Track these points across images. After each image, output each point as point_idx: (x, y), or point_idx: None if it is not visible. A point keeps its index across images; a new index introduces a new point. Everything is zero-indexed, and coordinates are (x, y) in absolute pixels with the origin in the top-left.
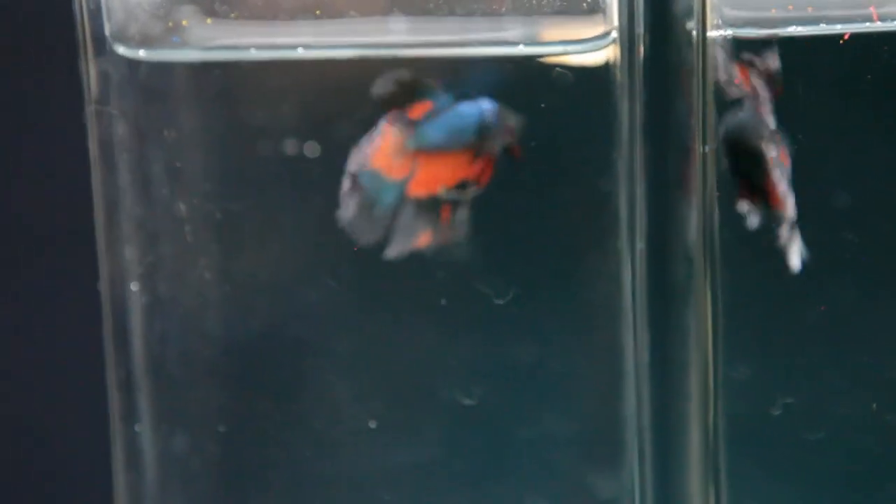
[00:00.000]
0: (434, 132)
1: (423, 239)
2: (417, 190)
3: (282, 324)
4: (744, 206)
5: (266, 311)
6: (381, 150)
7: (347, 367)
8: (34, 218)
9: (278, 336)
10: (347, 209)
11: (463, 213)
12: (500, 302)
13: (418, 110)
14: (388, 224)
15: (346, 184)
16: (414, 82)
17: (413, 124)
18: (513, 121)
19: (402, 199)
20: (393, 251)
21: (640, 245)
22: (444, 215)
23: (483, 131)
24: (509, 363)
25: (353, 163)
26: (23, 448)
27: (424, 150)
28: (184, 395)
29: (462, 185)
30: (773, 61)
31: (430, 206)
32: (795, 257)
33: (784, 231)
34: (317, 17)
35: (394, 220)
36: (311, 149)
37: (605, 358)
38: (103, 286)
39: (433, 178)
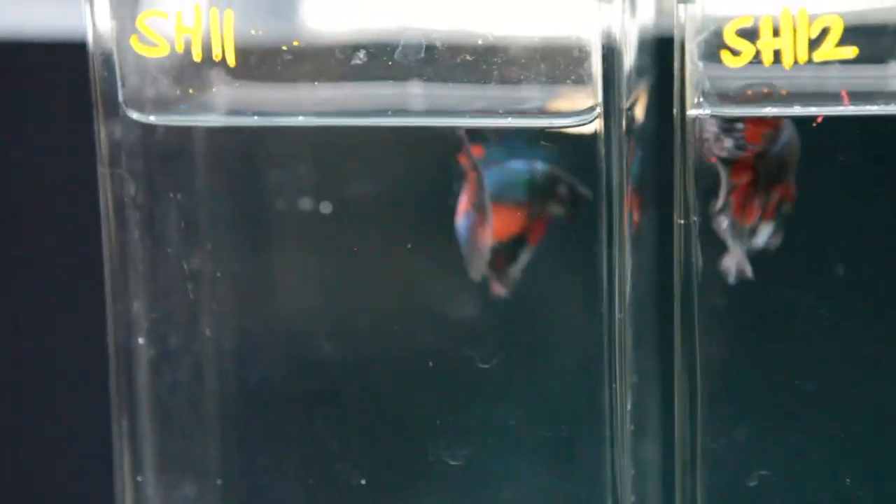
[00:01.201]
0: (487, 182)
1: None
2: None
3: (279, 381)
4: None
5: (265, 368)
6: (464, 199)
7: (342, 424)
8: (46, 273)
9: (275, 392)
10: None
11: (514, 268)
12: (485, 366)
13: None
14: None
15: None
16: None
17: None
18: (565, 188)
19: (466, 244)
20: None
21: (621, 314)
22: (498, 267)
23: (533, 191)
24: (493, 426)
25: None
26: (32, 497)
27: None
28: (188, 447)
29: (513, 241)
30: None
31: (489, 257)
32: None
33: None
34: (314, 86)
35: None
36: (316, 209)
37: (586, 424)
38: (111, 339)
39: (487, 228)
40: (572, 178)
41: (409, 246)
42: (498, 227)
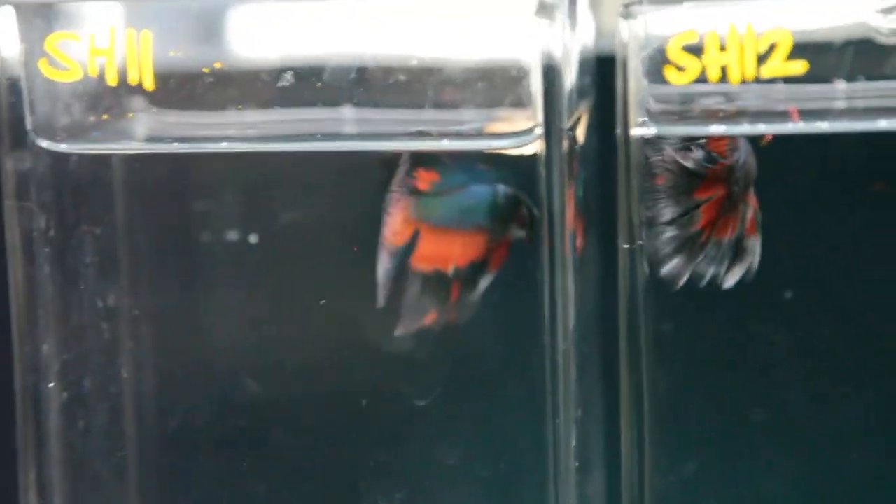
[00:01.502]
0: (441, 207)
1: (429, 317)
2: (422, 264)
3: (202, 424)
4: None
5: (188, 411)
6: (391, 220)
7: (270, 468)
8: None
9: (198, 436)
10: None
11: (473, 294)
12: (422, 403)
13: (424, 180)
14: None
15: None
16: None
17: (419, 194)
18: (526, 210)
19: (402, 267)
20: (401, 327)
21: (564, 344)
22: (454, 294)
23: (496, 215)
24: (430, 466)
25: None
26: None
27: (430, 224)
28: (103, 499)
29: (473, 267)
30: (695, 157)
31: (438, 284)
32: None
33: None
34: (239, 111)
35: (401, 292)
36: (242, 240)
37: (529, 462)
38: (18, 383)
39: (440, 253)
40: (527, 199)
41: (340, 278)
42: (453, 252)
